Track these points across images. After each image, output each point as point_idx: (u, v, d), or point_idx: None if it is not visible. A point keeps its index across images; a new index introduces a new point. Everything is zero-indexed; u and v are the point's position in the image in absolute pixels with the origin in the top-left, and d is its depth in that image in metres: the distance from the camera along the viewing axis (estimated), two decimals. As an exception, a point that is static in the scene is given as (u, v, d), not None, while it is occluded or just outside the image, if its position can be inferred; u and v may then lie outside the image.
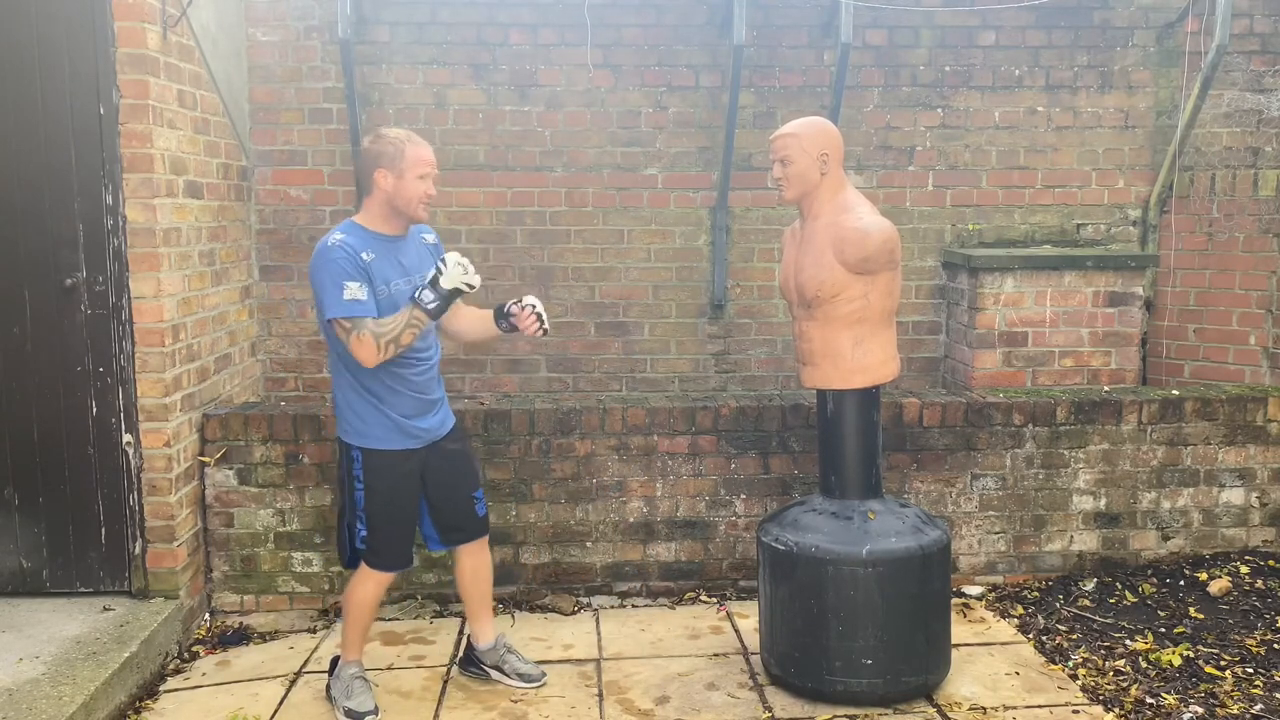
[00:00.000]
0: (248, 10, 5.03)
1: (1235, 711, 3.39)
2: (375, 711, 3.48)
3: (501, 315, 3.51)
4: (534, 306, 3.44)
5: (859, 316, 3.45)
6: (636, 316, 5.33)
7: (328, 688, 3.64)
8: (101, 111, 3.85)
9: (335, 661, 3.65)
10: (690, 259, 5.33)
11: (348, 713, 3.47)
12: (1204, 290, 5.32)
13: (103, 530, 4.05)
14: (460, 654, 3.91)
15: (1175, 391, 4.67)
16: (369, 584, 3.51)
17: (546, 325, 3.45)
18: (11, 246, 3.91)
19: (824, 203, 3.50)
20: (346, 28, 4.76)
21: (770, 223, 5.31)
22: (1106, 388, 4.92)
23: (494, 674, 3.75)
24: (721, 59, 5.19)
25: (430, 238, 3.60)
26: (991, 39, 5.30)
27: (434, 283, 3.28)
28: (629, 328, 5.34)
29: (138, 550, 4.05)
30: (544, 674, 3.76)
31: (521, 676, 3.72)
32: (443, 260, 3.31)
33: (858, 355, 3.48)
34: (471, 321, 3.66)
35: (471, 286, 3.31)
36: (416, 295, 3.28)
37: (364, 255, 3.27)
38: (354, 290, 3.21)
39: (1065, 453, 4.53)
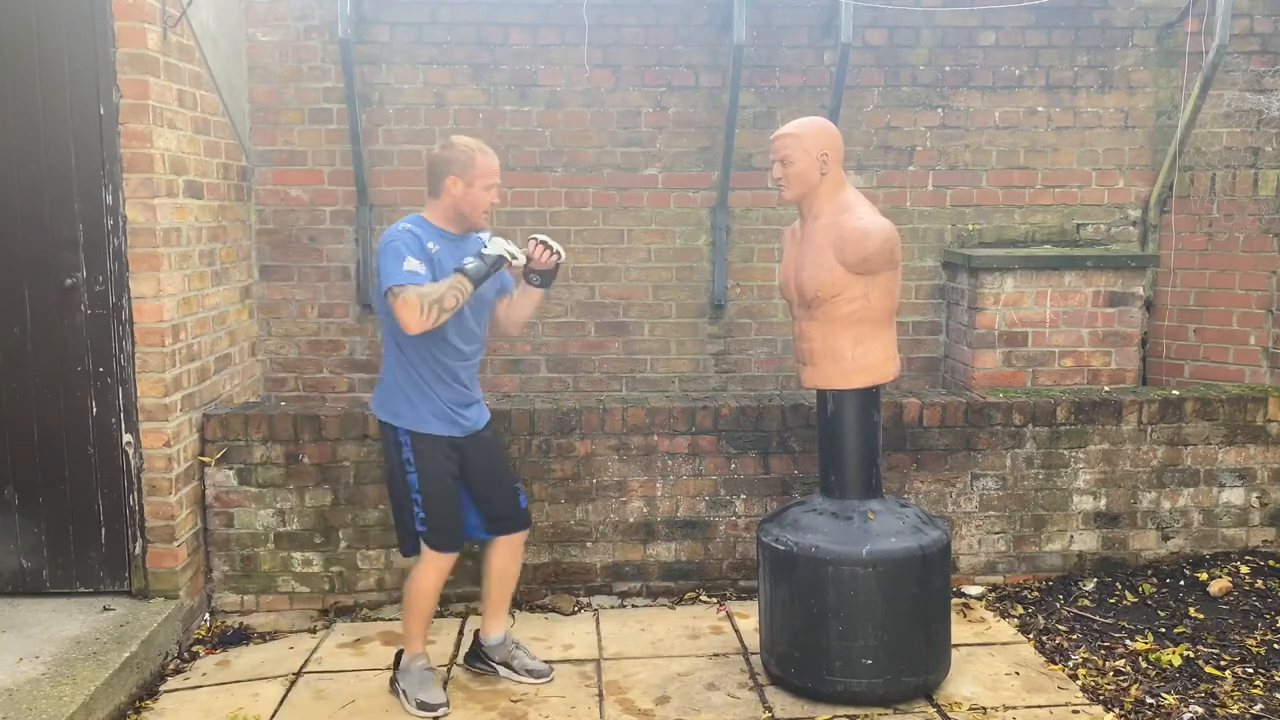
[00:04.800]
0: (248, 10, 5.03)
1: (1235, 711, 3.39)
2: (447, 704, 3.54)
3: (526, 271, 3.62)
4: (536, 239, 3.58)
5: (859, 316, 3.45)
6: (636, 316, 5.33)
7: (392, 680, 3.68)
8: (101, 111, 3.85)
9: (399, 656, 3.70)
10: (690, 259, 5.33)
11: (421, 705, 3.53)
12: (1204, 290, 5.32)
13: (103, 530, 4.05)
14: (468, 649, 3.91)
15: (1175, 391, 4.67)
16: (430, 570, 3.58)
17: (555, 248, 3.59)
18: (11, 246, 3.91)
19: (824, 202, 3.50)
20: (346, 28, 4.76)
21: (770, 223, 5.31)
22: (1106, 388, 4.91)
23: (502, 670, 3.78)
24: (721, 59, 5.19)
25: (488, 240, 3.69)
26: (991, 39, 5.30)
27: (478, 253, 3.43)
28: (629, 328, 5.34)
29: (138, 550, 4.05)
30: (551, 670, 3.79)
31: (530, 673, 3.75)
32: (488, 236, 3.54)
33: (858, 355, 3.48)
34: (516, 302, 3.78)
35: (514, 255, 3.45)
36: (461, 263, 3.39)
37: (429, 244, 3.41)
38: (413, 264, 3.32)
39: (1065, 453, 4.53)
